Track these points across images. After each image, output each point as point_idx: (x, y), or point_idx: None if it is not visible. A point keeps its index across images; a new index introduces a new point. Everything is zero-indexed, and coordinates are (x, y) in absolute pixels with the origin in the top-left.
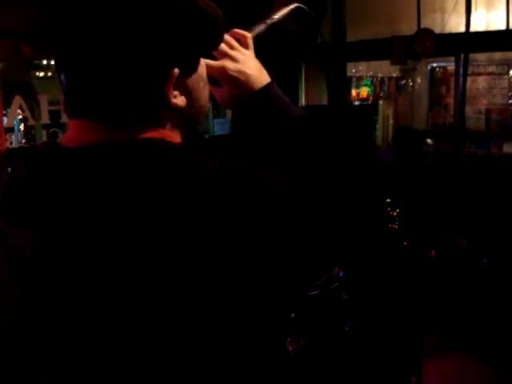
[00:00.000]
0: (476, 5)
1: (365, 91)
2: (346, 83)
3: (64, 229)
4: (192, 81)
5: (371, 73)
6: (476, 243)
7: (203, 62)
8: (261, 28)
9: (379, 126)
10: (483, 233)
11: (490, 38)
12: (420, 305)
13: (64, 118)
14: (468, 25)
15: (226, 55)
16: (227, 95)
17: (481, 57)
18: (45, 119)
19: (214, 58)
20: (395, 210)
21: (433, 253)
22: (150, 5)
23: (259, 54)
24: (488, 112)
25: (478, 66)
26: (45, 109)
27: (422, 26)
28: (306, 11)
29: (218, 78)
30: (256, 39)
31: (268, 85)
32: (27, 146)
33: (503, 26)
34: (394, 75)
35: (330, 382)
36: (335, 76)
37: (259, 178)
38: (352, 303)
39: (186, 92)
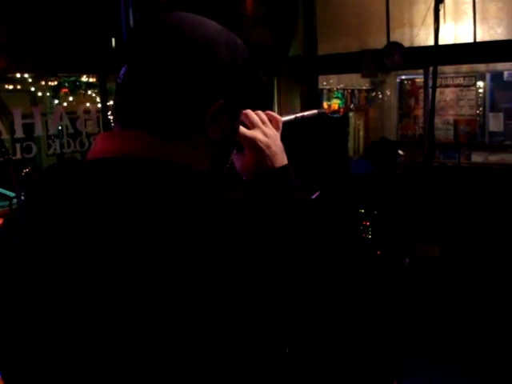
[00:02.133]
0: (444, 18)
1: (336, 103)
2: (318, 96)
3: (95, 242)
4: (228, 124)
5: (342, 85)
6: (449, 251)
7: (239, 125)
8: (289, 118)
9: (350, 137)
10: (455, 241)
11: (457, 50)
12: (398, 311)
13: (37, 132)
14: (436, 38)
15: (258, 128)
16: (248, 163)
17: (449, 69)
18: (18, 133)
19: (247, 128)
20: (368, 220)
21: (407, 261)
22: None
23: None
24: (456, 123)
25: (446, 78)
26: (18, 122)
27: (391, 40)
28: (326, 117)
29: (246, 145)
30: (284, 125)
31: (287, 165)
32: (1, 159)
33: (471, 39)
34: (364, 88)
35: None
36: (307, 88)
37: (280, 219)
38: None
39: (221, 130)
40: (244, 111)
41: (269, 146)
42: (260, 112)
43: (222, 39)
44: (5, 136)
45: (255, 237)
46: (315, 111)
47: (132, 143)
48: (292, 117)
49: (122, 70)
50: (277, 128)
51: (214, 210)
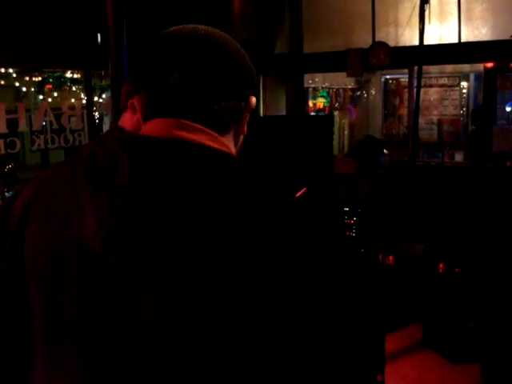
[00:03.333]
0: (429, 19)
1: (321, 102)
2: (304, 94)
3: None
4: (248, 118)
5: (327, 84)
6: (432, 249)
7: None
8: None
9: (335, 136)
10: (439, 239)
11: (442, 50)
12: (381, 306)
13: (21, 127)
14: (421, 38)
15: None
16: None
17: (433, 69)
18: (2, 128)
19: None
20: (352, 218)
21: (391, 259)
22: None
23: None
24: (440, 123)
25: (431, 78)
26: (2, 117)
27: (376, 39)
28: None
29: None
30: (271, 122)
31: None
32: None
33: (455, 39)
34: (350, 87)
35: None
36: (293, 87)
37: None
38: None
39: (246, 125)
40: None
41: None
42: None
43: (241, 48)
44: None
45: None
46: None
47: (196, 134)
48: None
49: (175, 74)
50: None
51: (282, 222)
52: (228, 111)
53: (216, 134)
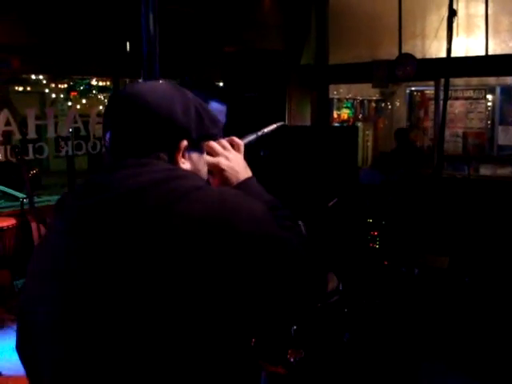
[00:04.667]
0: (457, 31)
1: (345, 113)
2: (328, 105)
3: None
4: (196, 156)
5: (351, 95)
6: (457, 262)
7: (205, 155)
8: (252, 138)
9: (359, 147)
10: (464, 252)
11: (469, 63)
12: (409, 321)
13: (50, 133)
14: (449, 50)
15: (220, 154)
16: (218, 183)
17: (459, 81)
18: (31, 134)
19: (211, 155)
20: (376, 230)
21: (416, 271)
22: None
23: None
24: (465, 135)
25: (456, 90)
26: (32, 123)
27: (403, 51)
28: (287, 127)
29: (212, 170)
30: (246, 146)
31: (248, 178)
32: (14, 160)
33: (482, 52)
34: (374, 98)
35: None
36: (318, 97)
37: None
38: (350, 317)
39: (191, 162)
40: (208, 143)
41: (231, 167)
42: (222, 140)
43: (177, 99)
44: (17, 136)
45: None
46: (275, 125)
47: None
48: (253, 136)
49: (108, 135)
50: (239, 150)
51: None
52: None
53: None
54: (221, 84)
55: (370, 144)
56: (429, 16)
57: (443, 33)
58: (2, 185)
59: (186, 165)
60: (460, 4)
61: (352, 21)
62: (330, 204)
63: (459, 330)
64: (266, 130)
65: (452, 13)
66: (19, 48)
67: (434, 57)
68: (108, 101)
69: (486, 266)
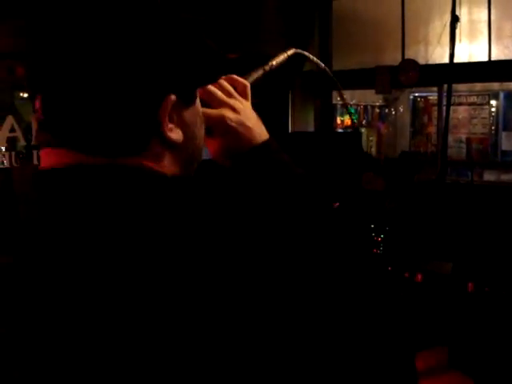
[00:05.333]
0: (460, 37)
1: (349, 119)
2: (332, 111)
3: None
4: (189, 114)
5: (354, 101)
6: (461, 267)
7: (200, 108)
8: (259, 74)
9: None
10: (468, 258)
11: (472, 68)
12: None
13: None
14: (452, 56)
15: (224, 104)
16: (222, 147)
17: (462, 87)
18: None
19: (210, 106)
20: (379, 236)
21: (419, 277)
22: (147, 19)
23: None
24: (469, 141)
25: (460, 96)
26: (36, 130)
27: (406, 57)
28: (304, 56)
29: (214, 127)
30: (253, 87)
31: (269, 140)
32: (18, 166)
33: (485, 58)
34: (377, 104)
35: None
36: (321, 103)
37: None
38: None
39: (183, 126)
40: (203, 89)
41: (241, 123)
42: (222, 81)
43: (134, 13)
44: (22, 143)
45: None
46: (285, 54)
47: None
48: (260, 72)
49: (37, 103)
50: (245, 96)
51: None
52: (124, 132)
53: (85, 158)
54: None
55: (373, 150)
56: (432, 22)
57: (446, 38)
58: None
59: (175, 133)
60: (463, 10)
61: (355, 27)
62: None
63: (463, 336)
64: (274, 62)
65: (455, 19)
66: (23, 55)
67: (436, 62)
68: (28, 42)
69: (489, 272)
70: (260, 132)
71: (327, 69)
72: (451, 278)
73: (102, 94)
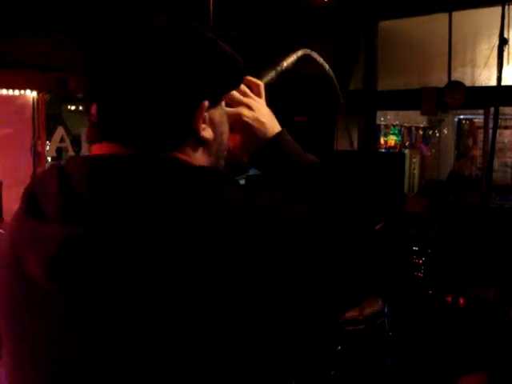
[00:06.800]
0: (508, 59)
1: (392, 140)
2: (376, 130)
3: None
4: (217, 115)
5: (398, 122)
6: (504, 293)
7: (224, 105)
8: (272, 75)
9: (405, 174)
10: (511, 284)
11: None
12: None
13: None
14: (499, 78)
15: (240, 103)
16: (240, 141)
17: (509, 110)
18: (85, 151)
19: (229, 106)
20: (421, 259)
21: (461, 302)
22: (187, 45)
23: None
24: None
25: (506, 119)
26: (84, 141)
27: (452, 79)
28: (313, 58)
29: (233, 124)
30: (267, 86)
31: (281, 132)
32: None
33: None
34: (421, 125)
35: None
36: (365, 123)
37: (282, 208)
38: (395, 339)
39: (213, 125)
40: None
41: (256, 119)
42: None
43: (187, 40)
44: (71, 153)
45: (251, 235)
46: (295, 56)
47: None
48: (273, 72)
49: (93, 109)
50: (259, 95)
51: (207, 208)
52: (167, 132)
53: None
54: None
55: (416, 172)
56: (479, 44)
57: (493, 61)
58: None
59: (207, 132)
60: (511, 33)
61: (401, 47)
62: (378, 227)
63: (504, 362)
64: (285, 63)
65: (503, 41)
66: (74, 68)
67: (483, 85)
68: (88, 57)
69: None
70: (272, 126)
71: (331, 73)
72: (494, 303)
73: (149, 103)
